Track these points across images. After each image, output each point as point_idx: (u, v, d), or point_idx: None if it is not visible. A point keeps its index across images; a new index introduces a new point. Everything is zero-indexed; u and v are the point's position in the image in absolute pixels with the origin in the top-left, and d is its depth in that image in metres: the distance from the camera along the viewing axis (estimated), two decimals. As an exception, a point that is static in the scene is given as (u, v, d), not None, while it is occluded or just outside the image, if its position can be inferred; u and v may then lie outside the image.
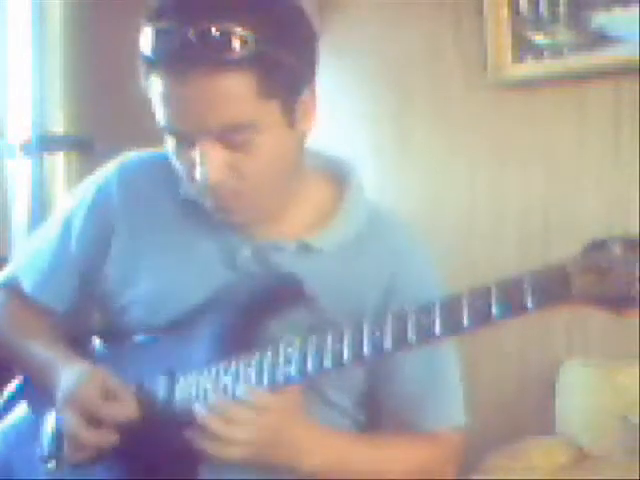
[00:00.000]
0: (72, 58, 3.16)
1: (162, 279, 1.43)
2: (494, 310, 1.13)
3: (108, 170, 1.52)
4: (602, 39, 3.02)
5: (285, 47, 1.29)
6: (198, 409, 1.29)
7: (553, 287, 1.09)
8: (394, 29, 3.35)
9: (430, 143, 3.34)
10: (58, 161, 3.11)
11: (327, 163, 1.49)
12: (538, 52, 3.13)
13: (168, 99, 1.30)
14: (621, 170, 3.01)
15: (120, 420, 1.35)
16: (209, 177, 1.31)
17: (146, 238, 1.46)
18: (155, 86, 1.31)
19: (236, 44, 1.25)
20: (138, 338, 1.46)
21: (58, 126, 3.13)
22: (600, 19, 3.02)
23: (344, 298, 1.37)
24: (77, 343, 1.52)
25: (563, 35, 3.09)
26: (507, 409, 3.15)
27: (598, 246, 1.08)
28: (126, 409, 1.35)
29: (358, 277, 1.40)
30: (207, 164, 1.30)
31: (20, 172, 3.13)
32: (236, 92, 1.27)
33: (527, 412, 3.11)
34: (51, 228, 1.56)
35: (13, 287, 1.57)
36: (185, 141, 1.33)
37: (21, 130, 3.15)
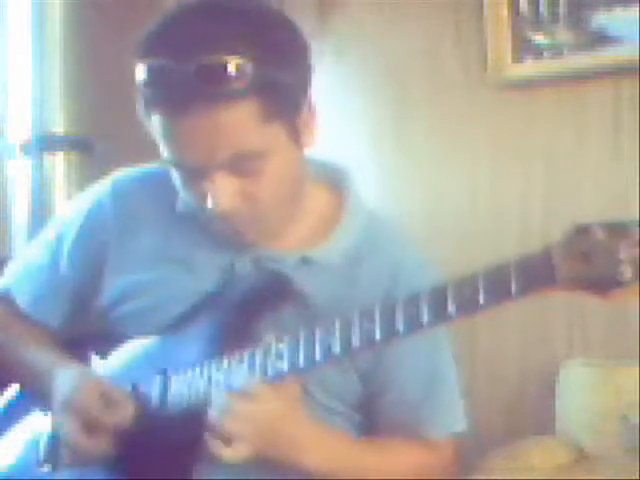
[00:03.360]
0: (72, 58, 3.16)
1: (160, 293, 1.43)
2: (481, 297, 1.14)
3: (102, 187, 1.51)
4: (602, 39, 3.01)
5: (282, 68, 1.28)
6: (210, 413, 1.28)
7: (538, 273, 1.11)
8: (394, 29, 3.34)
9: (430, 143, 3.33)
10: (58, 161, 3.10)
11: (323, 170, 1.48)
12: (538, 52, 3.12)
13: (171, 135, 1.29)
14: (621, 169, 3.01)
15: (122, 426, 1.35)
16: (221, 206, 1.31)
17: (142, 253, 1.46)
18: (155, 122, 1.29)
19: (234, 74, 1.23)
20: (133, 339, 1.46)
21: (58, 126, 3.13)
22: (600, 19, 3.02)
23: (344, 308, 1.35)
24: (71, 349, 1.51)
25: (563, 35, 3.08)
26: (507, 409, 3.15)
27: (582, 231, 1.10)
28: (125, 414, 1.35)
29: (357, 287, 1.40)
30: (218, 194, 1.30)
31: (20, 172, 3.13)
32: (240, 122, 1.26)
33: (527, 412, 3.11)
34: (45, 242, 1.55)
35: (6, 298, 1.56)
36: (193, 173, 1.32)
37: (21, 130, 3.15)
